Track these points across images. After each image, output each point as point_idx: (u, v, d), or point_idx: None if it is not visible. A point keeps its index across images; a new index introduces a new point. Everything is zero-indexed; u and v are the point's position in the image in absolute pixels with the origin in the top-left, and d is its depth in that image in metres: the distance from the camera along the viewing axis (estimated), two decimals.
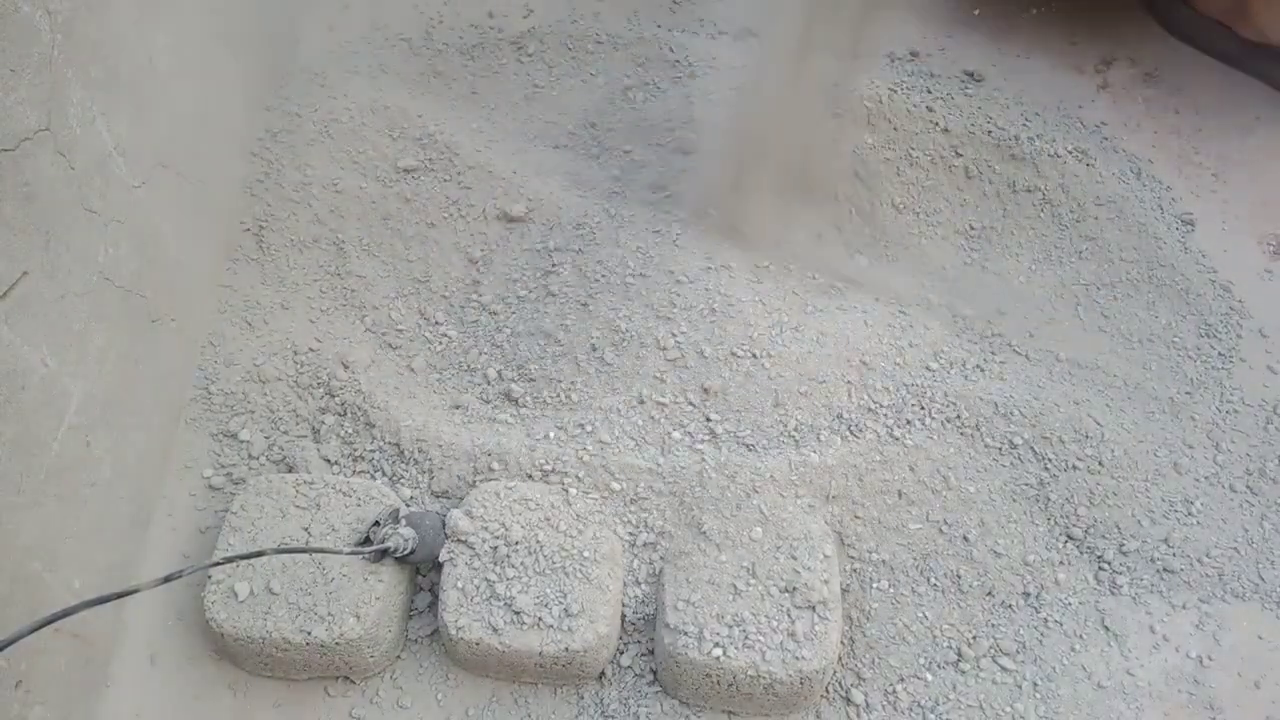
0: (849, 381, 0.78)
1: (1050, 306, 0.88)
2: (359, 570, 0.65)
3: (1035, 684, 0.67)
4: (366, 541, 0.65)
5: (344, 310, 0.83)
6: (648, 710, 0.66)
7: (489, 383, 0.80)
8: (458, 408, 0.77)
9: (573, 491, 0.69)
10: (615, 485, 0.71)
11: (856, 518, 0.73)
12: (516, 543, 0.66)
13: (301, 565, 0.65)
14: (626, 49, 1.01)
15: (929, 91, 1.00)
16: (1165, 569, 0.72)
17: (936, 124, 0.96)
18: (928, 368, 0.80)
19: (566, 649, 0.62)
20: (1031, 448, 0.76)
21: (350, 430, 0.76)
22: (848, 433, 0.76)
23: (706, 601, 0.67)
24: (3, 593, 0.56)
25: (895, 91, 0.97)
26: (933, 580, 0.70)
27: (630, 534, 0.71)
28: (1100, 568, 0.72)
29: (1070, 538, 0.73)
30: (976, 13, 1.04)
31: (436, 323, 0.83)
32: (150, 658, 0.68)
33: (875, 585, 0.71)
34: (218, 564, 0.61)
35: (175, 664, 0.68)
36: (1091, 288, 0.86)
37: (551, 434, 0.74)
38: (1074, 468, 0.76)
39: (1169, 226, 0.90)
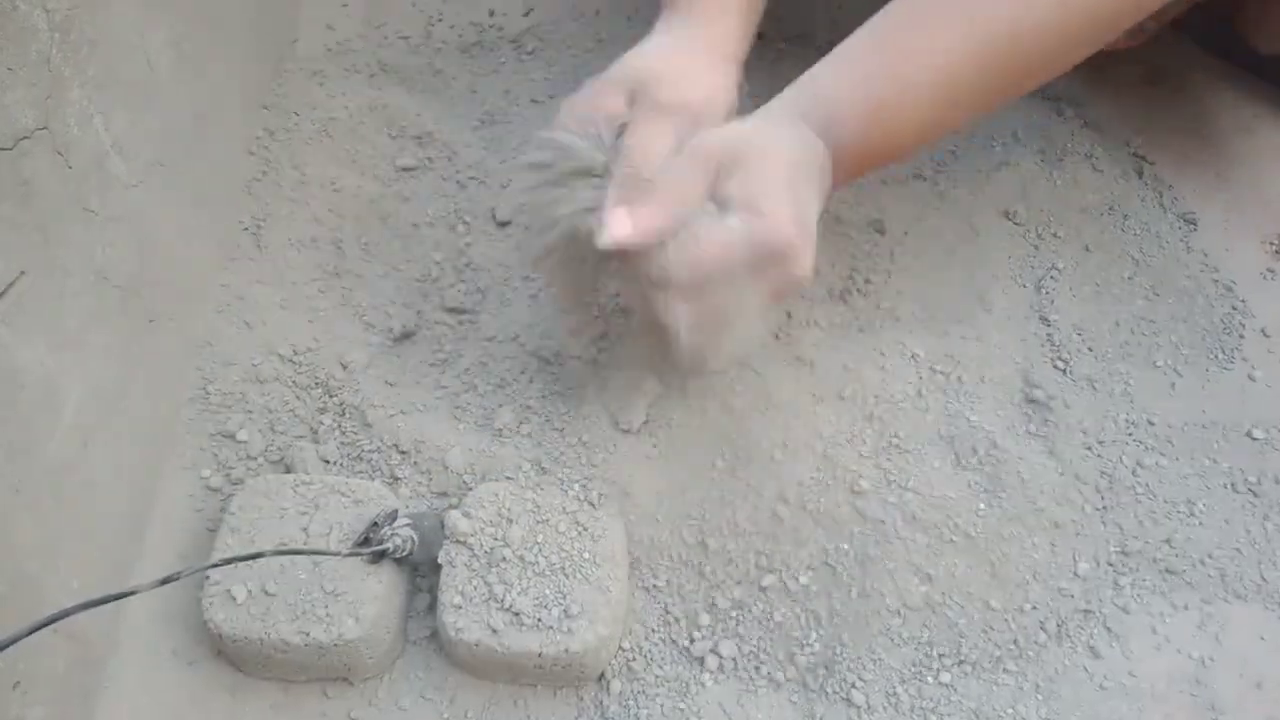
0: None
1: None
2: (357, 571, 0.65)
3: (1037, 685, 0.67)
4: (365, 542, 0.65)
5: (342, 310, 0.83)
6: (648, 712, 0.66)
7: (488, 382, 0.79)
8: (457, 407, 0.77)
9: (572, 491, 0.69)
10: (615, 484, 0.71)
11: None
12: (516, 544, 0.66)
13: (300, 566, 0.65)
14: (626, 47, 1.00)
15: None
16: (1167, 569, 0.72)
17: None
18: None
19: (566, 650, 0.62)
20: None
21: (349, 430, 0.76)
22: None
23: None
24: (1, 593, 0.56)
25: None
26: (934, 580, 0.70)
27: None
28: (1101, 568, 0.71)
29: (1074, 539, 0.72)
30: None
31: (436, 323, 0.83)
32: (148, 659, 0.68)
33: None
34: (216, 565, 0.61)
35: (173, 665, 0.68)
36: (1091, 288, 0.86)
37: (552, 434, 0.74)
38: None
39: (1171, 226, 0.90)
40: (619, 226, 0.56)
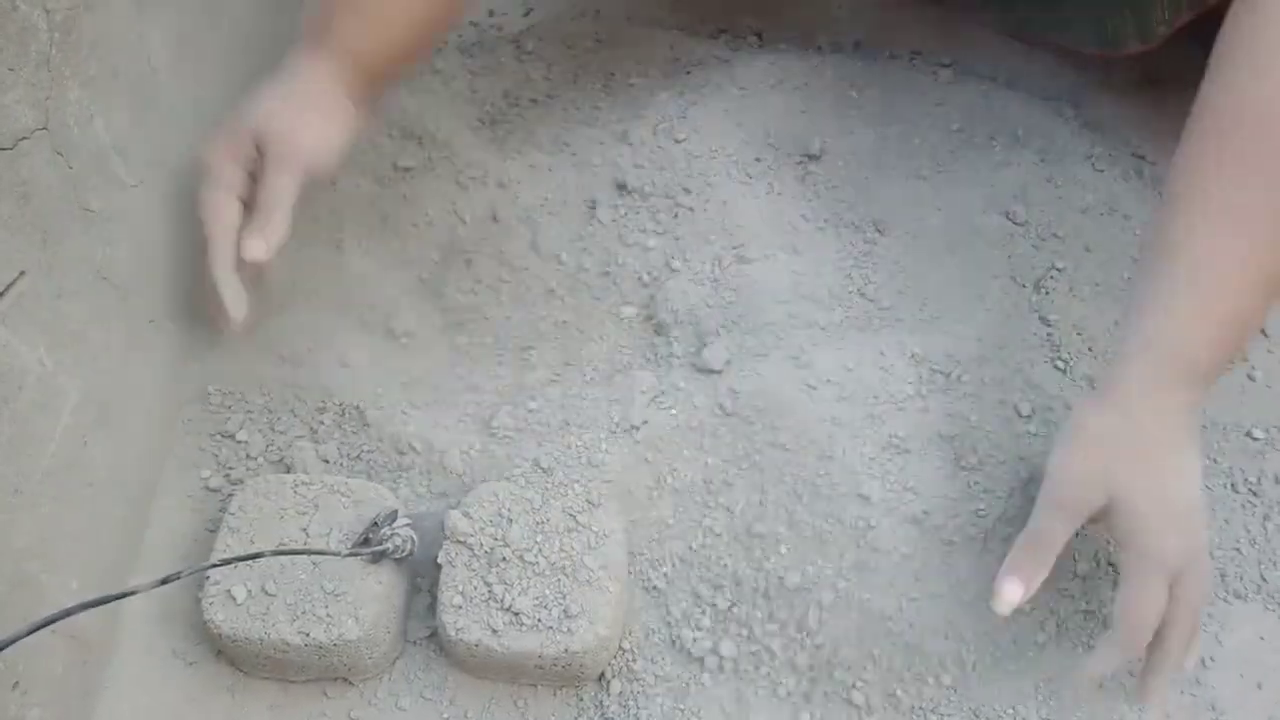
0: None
1: None
2: (357, 571, 0.65)
3: (1036, 685, 0.67)
4: (365, 542, 0.65)
5: (342, 310, 0.83)
6: (648, 712, 0.66)
7: (488, 382, 0.79)
8: (457, 407, 0.77)
9: (572, 491, 0.69)
10: (615, 484, 0.71)
11: None
12: (515, 544, 0.66)
13: (300, 566, 0.65)
14: (625, 47, 1.01)
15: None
16: None
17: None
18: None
19: (566, 650, 0.62)
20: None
21: (348, 430, 0.76)
22: None
23: None
24: (0, 594, 0.56)
25: None
26: (934, 580, 0.70)
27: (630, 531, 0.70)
28: (1100, 568, 0.71)
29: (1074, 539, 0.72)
30: None
31: (435, 324, 0.83)
32: (147, 659, 0.68)
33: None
34: (215, 565, 0.61)
35: (173, 666, 0.68)
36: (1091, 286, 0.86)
37: (551, 434, 0.74)
38: None
39: None
40: (1013, 592, 0.61)
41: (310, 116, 0.71)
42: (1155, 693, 0.63)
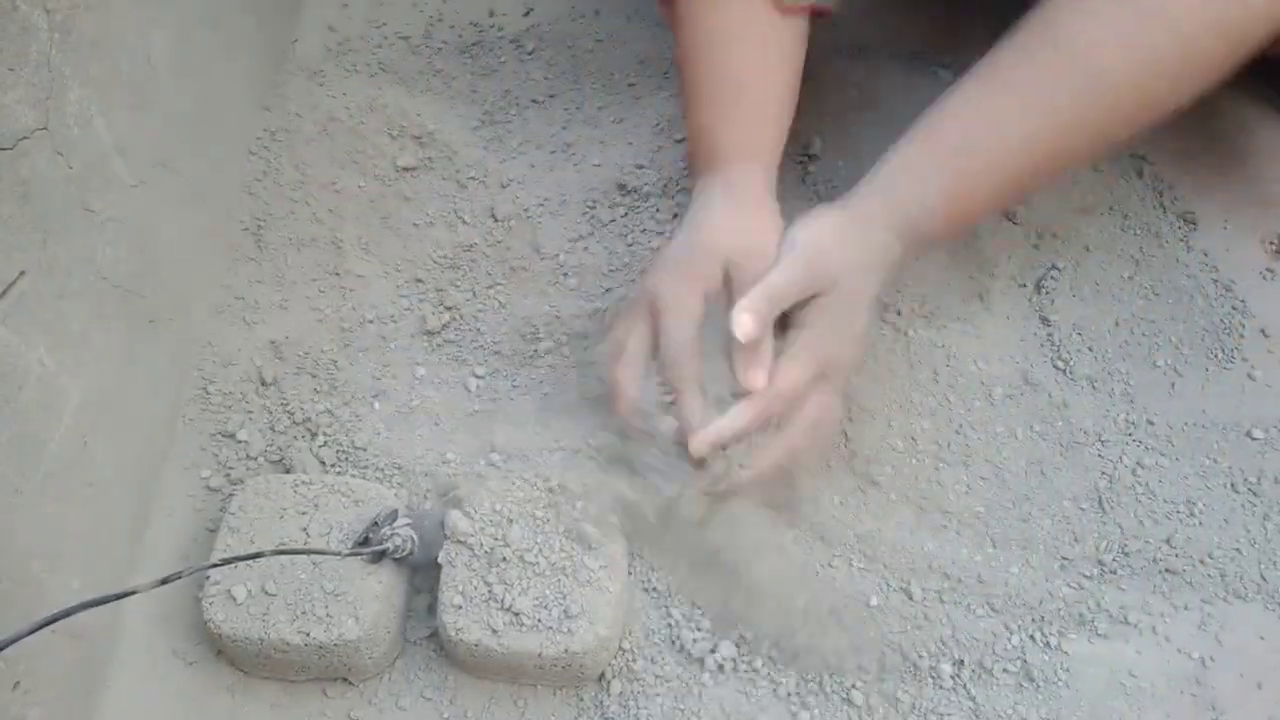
0: None
1: None
2: (357, 571, 0.65)
3: (1037, 685, 0.67)
4: (365, 542, 0.65)
5: (343, 310, 0.83)
6: (648, 713, 0.66)
7: (488, 383, 0.79)
8: (457, 407, 0.77)
9: (573, 491, 0.69)
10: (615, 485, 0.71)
11: None
12: (516, 544, 0.66)
13: (300, 566, 0.65)
14: (625, 46, 1.01)
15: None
16: (1167, 569, 0.72)
17: None
18: None
19: (566, 650, 0.62)
20: None
21: (349, 430, 0.76)
22: None
23: None
24: (1, 593, 0.56)
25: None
26: (934, 579, 0.70)
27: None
28: (1101, 568, 0.71)
29: (1074, 539, 0.73)
30: None
31: (433, 326, 0.83)
32: (148, 659, 0.68)
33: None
34: (216, 565, 0.61)
35: (173, 665, 0.68)
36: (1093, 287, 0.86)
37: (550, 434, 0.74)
38: None
39: (1170, 226, 0.90)
40: (750, 324, 0.63)
41: (763, 232, 0.69)
42: (744, 485, 0.66)
